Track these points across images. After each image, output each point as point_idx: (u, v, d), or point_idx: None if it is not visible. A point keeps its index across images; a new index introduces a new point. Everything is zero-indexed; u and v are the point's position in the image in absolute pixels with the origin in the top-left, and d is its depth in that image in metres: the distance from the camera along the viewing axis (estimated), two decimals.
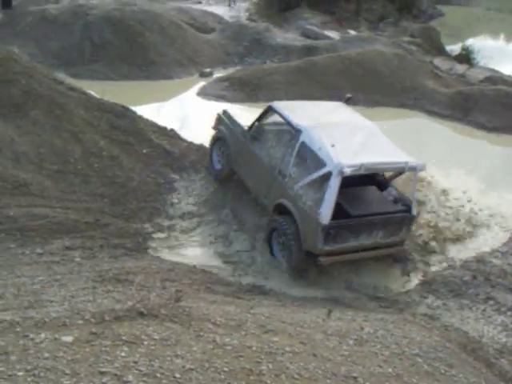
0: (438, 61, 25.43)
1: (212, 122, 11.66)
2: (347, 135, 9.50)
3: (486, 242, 10.60)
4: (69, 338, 4.70)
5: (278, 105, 10.41)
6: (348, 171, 8.51)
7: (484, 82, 22.48)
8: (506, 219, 11.40)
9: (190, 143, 12.97)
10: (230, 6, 40.73)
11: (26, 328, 4.92)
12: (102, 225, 9.38)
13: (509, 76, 24.21)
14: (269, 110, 10.37)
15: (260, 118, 10.49)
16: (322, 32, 30.01)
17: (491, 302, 8.53)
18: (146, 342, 4.77)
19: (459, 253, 10.14)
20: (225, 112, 11.59)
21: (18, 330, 4.89)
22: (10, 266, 7.51)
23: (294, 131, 9.60)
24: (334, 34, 29.51)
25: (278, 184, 9.58)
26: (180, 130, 13.75)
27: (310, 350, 5.36)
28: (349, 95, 11.56)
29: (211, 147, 11.63)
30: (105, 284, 6.79)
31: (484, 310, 8.36)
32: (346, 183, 8.85)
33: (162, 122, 13.61)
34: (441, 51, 28.90)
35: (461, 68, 24.57)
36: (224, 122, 11.32)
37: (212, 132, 11.60)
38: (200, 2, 42.06)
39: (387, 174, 10.40)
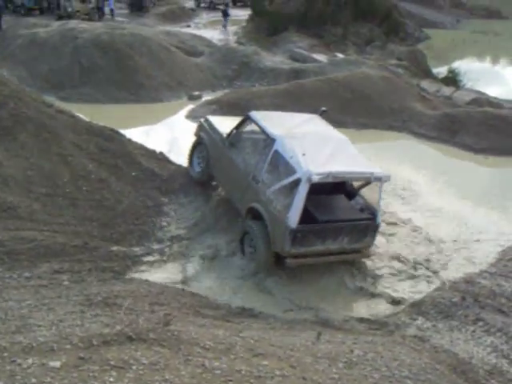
0: (424, 83, 25.73)
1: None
2: (318, 145, 9.97)
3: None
4: (56, 363, 4.66)
5: (256, 114, 10.94)
6: (316, 178, 9.05)
7: (470, 104, 22.75)
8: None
9: (179, 166, 12.99)
10: (224, 27, 41.13)
11: (14, 353, 4.88)
12: (91, 248, 9.33)
13: (495, 98, 24.53)
14: (246, 119, 10.89)
15: (238, 127, 10.99)
16: (310, 55, 30.33)
17: (480, 323, 8.52)
18: (134, 367, 4.74)
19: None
20: (206, 120, 12.20)
21: (5, 354, 4.85)
22: None
23: (268, 140, 10.13)
24: (321, 57, 29.83)
25: (251, 189, 10.10)
26: (169, 152, 13.79)
27: (300, 373, 5.34)
28: (323, 108, 12.05)
29: (191, 151, 12.23)
30: (93, 308, 6.74)
31: (474, 332, 8.35)
32: (315, 191, 9.42)
33: (150, 145, 13.66)
34: (427, 74, 29.27)
35: (447, 90, 24.86)
36: (205, 128, 11.94)
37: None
38: (189, 26, 42.41)
39: (356, 184, 10.85)
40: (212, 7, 49.89)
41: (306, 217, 9.31)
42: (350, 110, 19.56)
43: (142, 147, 12.88)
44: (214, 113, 18.05)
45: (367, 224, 9.92)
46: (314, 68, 26.03)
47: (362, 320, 8.62)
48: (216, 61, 27.00)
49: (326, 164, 9.41)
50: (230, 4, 48.62)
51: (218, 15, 46.98)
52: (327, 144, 10.09)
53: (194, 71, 25.55)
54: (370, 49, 36.00)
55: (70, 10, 38.18)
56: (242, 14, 45.15)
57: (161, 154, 13.08)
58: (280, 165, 9.73)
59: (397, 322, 8.63)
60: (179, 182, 12.00)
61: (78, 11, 38.31)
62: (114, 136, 12.40)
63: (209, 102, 20.59)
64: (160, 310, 7.05)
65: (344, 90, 20.67)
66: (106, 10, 41.99)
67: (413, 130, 19.52)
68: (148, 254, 9.80)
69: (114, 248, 9.60)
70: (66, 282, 8.00)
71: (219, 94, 22.68)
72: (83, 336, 5.31)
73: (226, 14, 42.24)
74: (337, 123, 19.14)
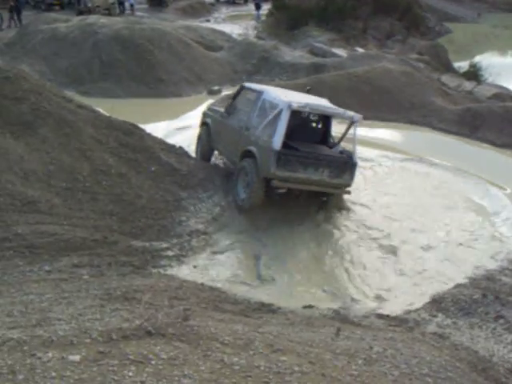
0: (445, 78, 25.49)
1: None
2: (300, 96, 12.49)
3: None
4: (76, 357, 4.68)
5: (249, 84, 13.63)
6: (295, 106, 10.97)
7: (492, 98, 22.52)
8: None
9: (199, 161, 13.01)
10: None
11: (34, 347, 4.91)
12: (110, 242, 9.36)
13: None
14: (241, 89, 13.12)
15: (234, 97, 13.23)
16: (329, 50, 30.16)
17: (501, 321, 8.42)
18: (153, 362, 4.74)
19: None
20: (208, 107, 14.81)
21: (26, 348, 4.88)
22: (18, 284, 7.50)
23: (258, 94, 12.19)
24: (341, 52, 29.68)
25: (243, 137, 11.89)
26: (188, 147, 13.80)
27: (319, 369, 5.31)
28: (309, 87, 15.09)
29: (198, 138, 14.31)
30: (112, 302, 6.76)
31: (494, 329, 8.26)
32: (300, 137, 11.71)
33: (170, 139, 13.68)
34: (448, 68, 29.02)
35: (469, 85, 24.61)
36: (208, 114, 14.18)
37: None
38: (208, 20, 42.48)
39: (336, 139, 12.50)
40: (231, 1, 49.85)
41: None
42: (370, 104, 19.43)
43: (161, 142, 12.89)
44: None
45: (345, 161, 11.51)
46: (333, 63, 25.91)
47: (381, 316, 8.56)
48: (235, 55, 26.99)
49: (305, 101, 11.48)
50: None
51: (237, 9, 47.04)
52: (306, 96, 12.61)
53: (213, 66, 25.56)
54: (390, 43, 35.78)
55: (90, 5, 38.41)
56: (262, 9, 45.06)
57: (180, 148, 13.08)
58: (267, 108, 11.56)
59: (416, 319, 8.55)
60: (198, 177, 12.00)
61: (98, 6, 38.54)
62: (133, 131, 12.42)
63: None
64: (179, 304, 7.04)
65: (364, 84, 20.56)
66: (127, 5, 42.18)
67: (433, 125, 19.36)
68: (167, 248, 9.82)
69: (134, 242, 9.63)
70: (85, 276, 8.03)
71: None
72: (102, 330, 5.33)
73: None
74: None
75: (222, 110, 13.42)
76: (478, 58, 31.47)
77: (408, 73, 22.23)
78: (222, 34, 32.80)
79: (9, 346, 4.91)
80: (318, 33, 35.07)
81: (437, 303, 9.00)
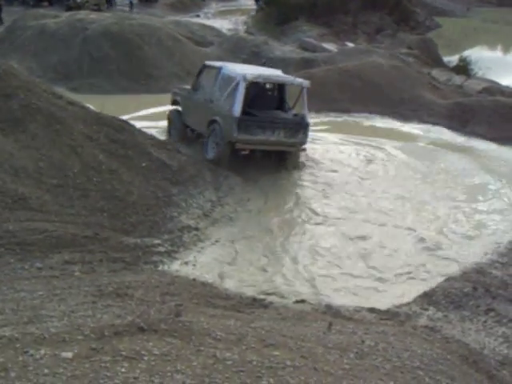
0: (435, 72, 25.56)
1: None
2: (255, 69, 14.37)
3: None
4: (68, 354, 4.67)
5: (210, 62, 15.58)
6: (250, 77, 12.66)
7: (482, 92, 22.59)
8: None
9: (189, 156, 12.99)
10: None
11: (26, 344, 4.89)
12: (102, 239, 9.34)
13: (507, 87, 24.36)
14: (204, 67, 14.71)
15: (198, 74, 14.77)
16: (319, 44, 30.19)
17: (492, 314, 8.46)
18: (146, 358, 4.74)
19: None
20: (177, 87, 16.60)
21: (18, 345, 4.86)
22: (9, 281, 7.46)
23: (218, 69, 13.83)
24: (331, 47, 29.71)
25: (209, 109, 13.53)
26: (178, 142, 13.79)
27: (311, 364, 5.33)
28: (264, 60, 19.38)
29: (168, 118, 15.87)
30: (104, 298, 6.75)
31: (485, 322, 8.30)
32: (258, 105, 13.42)
33: (160, 135, 13.64)
34: (438, 62, 29.08)
35: (458, 79, 24.69)
36: (177, 92, 15.94)
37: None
38: (198, 16, 42.35)
39: (291, 103, 14.17)
40: None
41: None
42: (360, 98, 19.48)
43: (151, 137, 12.88)
44: None
45: (298, 122, 13.41)
46: (323, 57, 25.93)
47: (372, 310, 8.58)
48: (226, 51, 26.96)
49: (259, 73, 13.41)
50: None
51: (227, 4, 46.92)
52: (261, 68, 14.79)
53: (203, 61, 25.50)
54: (380, 37, 35.81)
55: (79, 0, 38.22)
56: (251, 4, 45.01)
57: (171, 144, 13.07)
58: (226, 82, 13.17)
59: (408, 312, 8.58)
60: (189, 173, 12.01)
61: (87, 2, 38.38)
62: (124, 126, 12.40)
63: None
64: (171, 300, 7.04)
65: (354, 79, 20.58)
66: (126, 2, 41.96)
67: (423, 119, 19.40)
68: (159, 244, 9.81)
69: (125, 238, 9.61)
70: (77, 273, 8.01)
71: None
72: (95, 327, 5.32)
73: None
74: (346, 112, 19.27)
75: (189, 87, 15.17)
76: (467, 53, 31.52)
77: (398, 67, 22.28)
78: (212, 29, 32.76)
79: (1, 344, 4.89)
80: (307, 27, 35.06)
81: (428, 296, 9.04)
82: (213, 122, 13.15)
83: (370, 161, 15.22)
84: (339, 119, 19.26)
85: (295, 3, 36.90)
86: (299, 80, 13.57)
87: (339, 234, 11.23)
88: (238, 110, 12.50)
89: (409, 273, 10.06)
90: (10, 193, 9.50)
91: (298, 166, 14.03)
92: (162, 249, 9.72)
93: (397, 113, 19.72)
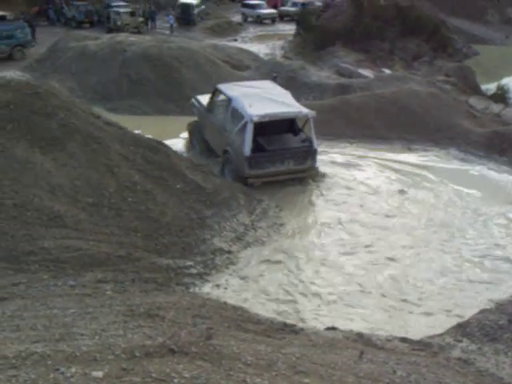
0: (473, 100, 25.27)
1: None
2: (262, 99, 14.11)
3: None
4: (99, 374, 4.67)
5: (221, 86, 15.54)
6: (256, 119, 13.13)
7: None
8: None
9: (224, 179, 13.04)
10: None
11: (57, 361, 4.91)
12: (134, 259, 9.40)
13: None
14: (216, 90, 15.41)
15: (212, 97, 15.54)
16: (356, 70, 30.15)
17: None
18: (176, 380, 4.72)
19: None
20: (194, 98, 17.25)
21: (49, 363, 4.89)
22: (43, 297, 7.54)
23: (228, 101, 14.38)
24: (368, 73, 29.65)
25: (223, 137, 14.27)
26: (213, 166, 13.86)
27: None
28: (275, 75, 18.90)
29: (189, 128, 17.02)
30: (136, 319, 6.76)
31: None
32: (269, 131, 14.09)
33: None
34: (476, 90, 28.76)
35: (496, 107, 24.37)
36: (194, 104, 16.94)
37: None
38: (236, 40, 42.73)
39: (301, 124, 14.85)
40: (259, 21, 50.15)
41: (260, 149, 13.65)
42: (396, 126, 19.34)
43: (187, 159, 12.97)
44: None
45: (306, 149, 14.03)
46: (360, 83, 25.87)
47: (405, 340, 8.44)
48: (262, 75, 27.04)
49: (266, 109, 13.48)
50: None
51: (265, 29, 47.26)
52: (270, 97, 14.31)
53: None
54: (417, 64, 35.62)
55: (119, 23, 38.98)
56: (288, 29, 45.27)
57: (206, 166, 13.14)
58: (236, 116, 13.75)
59: (441, 344, 8.41)
60: (223, 196, 12.04)
61: (127, 24, 39.08)
62: (159, 148, 12.52)
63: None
64: (202, 323, 7.02)
65: (390, 106, 20.43)
66: (167, 25, 42.65)
67: (460, 148, 19.16)
68: (191, 266, 9.83)
69: (157, 259, 9.66)
70: (109, 292, 8.06)
71: None
72: (126, 347, 5.32)
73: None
74: (382, 139, 19.12)
75: (204, 103, 15.98)
76: (505, 81, 31.18)
77: (435, 94, 22.09)
78: (249, 53, 32.99)
79: (32, 360, 4.92)
80: (344, 53, 35.09)
81: (462, 328, 8.86)
82: (226, 151, 13.91)
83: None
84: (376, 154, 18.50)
85: (333, 29, 37.01)
86: (305, 112, 14.01)
87: (369, 262, 11.12)
88: (248, 150, 13.14)
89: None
90: (46, 210, 9.64)
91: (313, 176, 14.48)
92: (194, 271, 9.73)
93: (433, 141, 19.51)
